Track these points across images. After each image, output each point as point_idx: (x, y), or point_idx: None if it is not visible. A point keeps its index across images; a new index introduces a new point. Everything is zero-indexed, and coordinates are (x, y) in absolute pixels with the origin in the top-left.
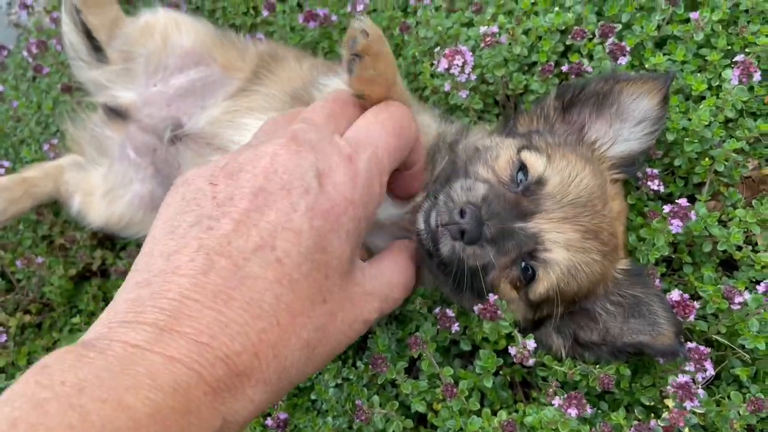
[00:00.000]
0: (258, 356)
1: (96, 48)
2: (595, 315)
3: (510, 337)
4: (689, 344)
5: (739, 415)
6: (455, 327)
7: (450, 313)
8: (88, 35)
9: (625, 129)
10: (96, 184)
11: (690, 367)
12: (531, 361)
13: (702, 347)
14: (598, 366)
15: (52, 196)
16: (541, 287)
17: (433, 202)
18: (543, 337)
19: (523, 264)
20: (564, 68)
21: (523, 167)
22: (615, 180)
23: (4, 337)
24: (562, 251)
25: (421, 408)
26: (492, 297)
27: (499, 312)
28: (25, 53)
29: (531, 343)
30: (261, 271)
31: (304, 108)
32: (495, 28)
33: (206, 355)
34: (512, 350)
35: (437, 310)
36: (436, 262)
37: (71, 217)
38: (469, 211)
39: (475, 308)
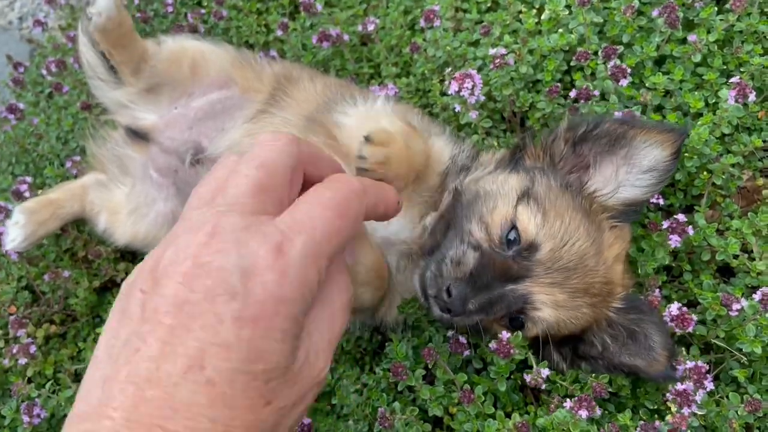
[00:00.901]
0: None
1: (113, 68)
2: (591, 341)
3: (524, 362)
4: (689, 363)
5: (738, 415)
6: (466, 352)
7: (462, 340)
8: (105, 54)
9: (632, 175)
10: (120, 203)
11: (690, 384)
12: (544, 386)
13: (701, 364)
14: (593, 375)
15: (78, 215)
16: (529, 334)
17: (428, 262)
18: (543, 353)
19: (513, 315)
20: (572, 94)
21: (515, 227)
22: (614, 226)
23: (33, 348)
24: (550, 310)
25: (438, 412)
26: (505, 335)
27: (512, 350)
28: (43, 71)
29: (545, 372)
30: (193, 396)
31: (234, 164)
32: (503, 50)
33: None
34: (527, 377)
35: (450, 333)
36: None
37: (95, 233)
38: (455, 291)
39: (490, 346)
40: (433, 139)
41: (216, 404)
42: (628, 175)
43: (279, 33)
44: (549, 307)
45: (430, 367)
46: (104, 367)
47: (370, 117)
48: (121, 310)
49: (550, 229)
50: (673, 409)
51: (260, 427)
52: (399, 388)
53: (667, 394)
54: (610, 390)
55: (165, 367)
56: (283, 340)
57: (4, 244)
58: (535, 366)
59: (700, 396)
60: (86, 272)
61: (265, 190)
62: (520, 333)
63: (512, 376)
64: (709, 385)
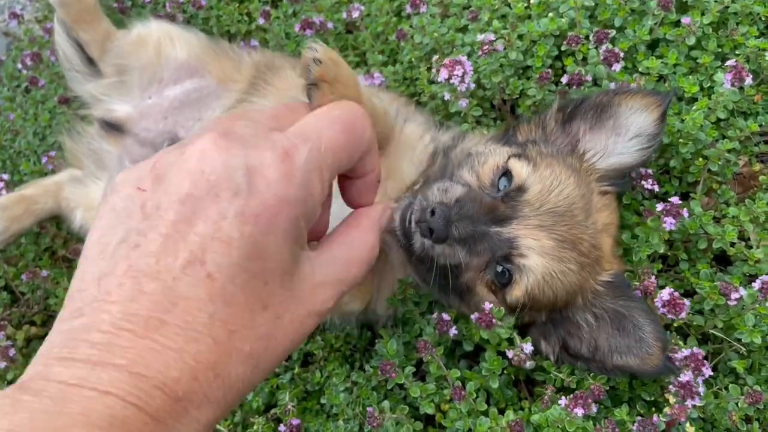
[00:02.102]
0: (197, 379)
1: (90, 59)
2: (578, 324)
3: (510, 340)
4: (684, 351)
5: (738, 407)
6: (453, 331)
7: (446, 317)
8: (81, 46)
9: (619, 143)
10: (97, 198)
11: (689, 373)
12: (528, 364)
13: (698, 350)
14: (591, 375)
15: (53, 212)
16: (516, 291)
17: (412, 200)
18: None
19: (499, 268)
20: (564, 80)
21: (507, 173)
22: (604, 192)
23: (12, 351)
24: (537, 258)
25: (429, 410)
26: (487, 305)
27: (494, 320)
28: (19, 65)
29: (528, 347)
30: (192, 291)
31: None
32: (492, 36)
33: (142, 386)
34: (509, 353)
35: (434, 315)
36: (414, 260)
37: (74, 230)
38: (439, 210)
39: (473, 317)
40: (408, 123)
41: (215, 300)
42: (615, 144)
43: (261, 21)
44: (536, 253)
45: (425, 360)
46: (98, 265)
47: None
48: (112, 210)
49: (540, 175)
50: (672, 400)
51: (256, 331)
52: (389, 386)
53: (670, 386)
54: (607, 387)
55: (165, 261)
56: (284, 241)
57: None
58: (518, 342)
59: (701, 387)
60: (66, 271)
61: (281, 117)
62: (503, 309)
63: (505, 371)
64: (707, 372)
